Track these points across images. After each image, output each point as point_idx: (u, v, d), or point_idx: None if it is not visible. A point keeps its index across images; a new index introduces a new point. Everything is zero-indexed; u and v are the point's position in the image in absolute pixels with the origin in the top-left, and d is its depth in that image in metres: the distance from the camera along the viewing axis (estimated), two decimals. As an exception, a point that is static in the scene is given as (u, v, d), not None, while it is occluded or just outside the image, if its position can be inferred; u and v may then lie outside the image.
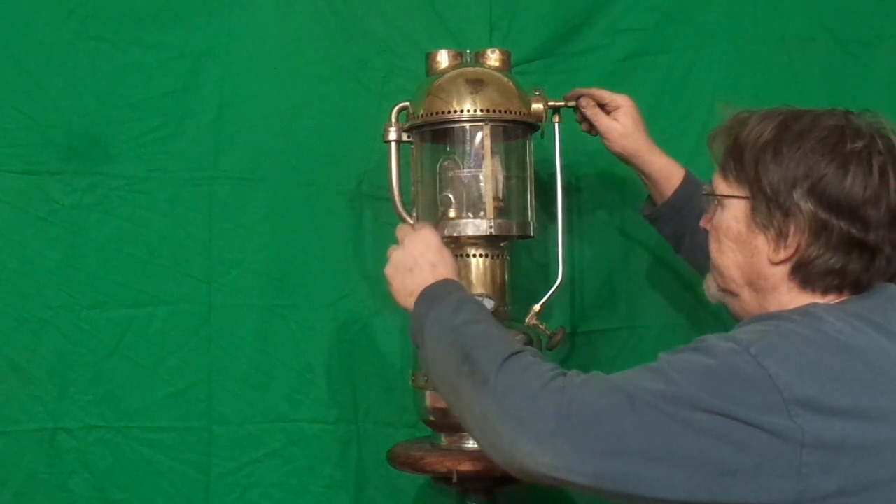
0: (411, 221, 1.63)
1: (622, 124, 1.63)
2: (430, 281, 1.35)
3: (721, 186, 1.23)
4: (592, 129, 1.67)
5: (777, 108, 1.22)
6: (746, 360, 1.06)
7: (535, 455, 1.08)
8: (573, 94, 1.67)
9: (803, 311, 1.13)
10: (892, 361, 1.09)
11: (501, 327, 1.28)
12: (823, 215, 1.13)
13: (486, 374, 1.15)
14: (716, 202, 1.24)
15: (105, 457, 1.73)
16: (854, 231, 1.13)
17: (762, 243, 1.18)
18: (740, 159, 1.19)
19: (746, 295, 1.22)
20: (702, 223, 1.29)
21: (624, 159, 1.66)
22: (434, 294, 1.32)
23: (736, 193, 1.20)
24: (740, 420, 1.03)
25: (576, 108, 1.66)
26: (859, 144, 1.14)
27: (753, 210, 1.18)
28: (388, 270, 1.41)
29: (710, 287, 1.29)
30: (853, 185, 1.13)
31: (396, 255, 1.41)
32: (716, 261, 1.25)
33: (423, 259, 1.37)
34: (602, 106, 1.65)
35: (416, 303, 1.34)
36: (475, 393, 1.16)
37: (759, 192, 1.17)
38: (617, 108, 1.63)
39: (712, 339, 1.11)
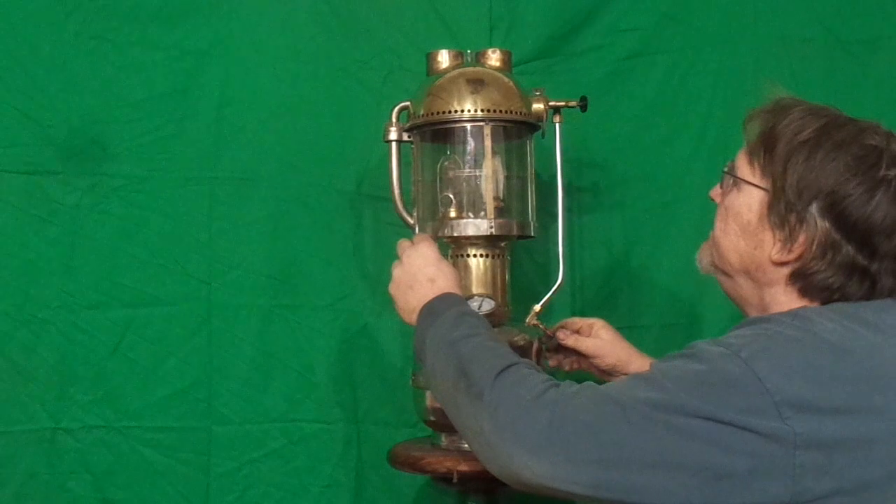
0: (411, 221, 1.63)
1: (604, 337, 1.55)
2: (431, 296, 1.36)
3: (744, 169, 1.21)
4: (577, 357, 1.58)
5: (823, 106, 1.19)
6: (736, 364, 1.06)
7: (531, 467, 1.08)
8: (553, 331, 1.57)
9: (793, 314, 1.13)
10: (883, 359, 1.09)
11: (498, 339, 1.28)
12: (836, 235, 1.13)
13: (481, 388, 1.16)
14: (732, 181, 1.22)
15: (105, 457, 1.72)
16: (860, 258, 1.13)
17: (769, 239, 1.17)
18: (772, 150, 1.17)
19: (742, 280, 1.22)
20: (711, 194, 1.27)
21: (617, 370, 1.54)
22: (433, 310, 1.33)
23: (758, 183, 1.19)
24: (732, 424, 1.03)
25: (557, 348, 1.58)
26: (893, 172, 1.13)
27: (770, 206, 1.17)
28: (391, 289, 1.42)
29: (703, 258, 1.28)
30: (875, 211, 1.12)
31: (397, 273, 1.41)
32: (717, 239, 1.24)
33: (422, 274, 1.38)
34: (577, 331, 1.57)
35: (418, 319, 1.35)
36: (472, 407, 1.17)
37: (781, 191, 1.15)
38: (591, 326, 1.56)
39: (703, 345, 1.11)
